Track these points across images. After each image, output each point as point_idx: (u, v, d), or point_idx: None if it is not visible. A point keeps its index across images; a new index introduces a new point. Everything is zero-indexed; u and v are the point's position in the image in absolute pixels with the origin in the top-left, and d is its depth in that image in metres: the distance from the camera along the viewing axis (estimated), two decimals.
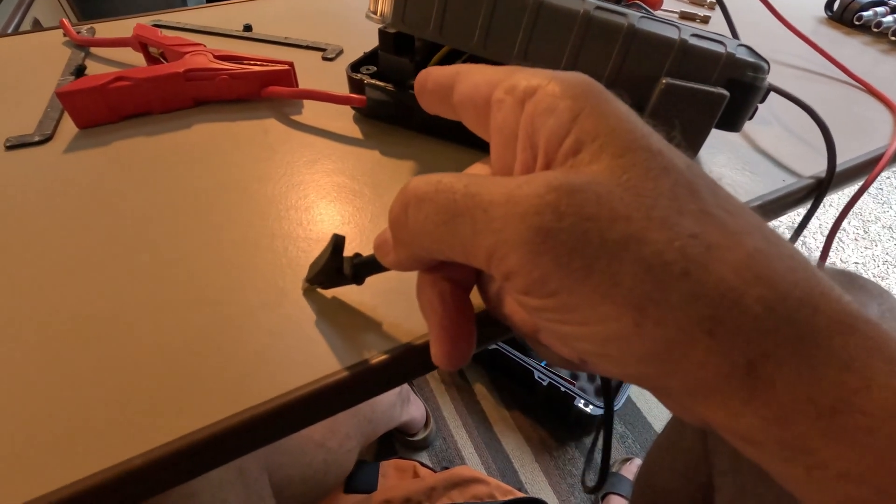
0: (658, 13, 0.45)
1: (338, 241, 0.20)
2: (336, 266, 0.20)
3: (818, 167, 0.30)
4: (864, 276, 0.52)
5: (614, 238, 0.12)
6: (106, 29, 0.45)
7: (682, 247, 0.12)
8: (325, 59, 0.41)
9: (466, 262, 0.14)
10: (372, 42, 0.31)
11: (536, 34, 0.25)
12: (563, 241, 0.12)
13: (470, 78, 0.18)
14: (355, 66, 0.32)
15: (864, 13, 0.47)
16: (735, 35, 0.39)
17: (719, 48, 0.24)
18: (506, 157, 0.16)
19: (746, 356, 0.11)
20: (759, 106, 0.27)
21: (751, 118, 0.28)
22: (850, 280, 0.43)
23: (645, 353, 0.12)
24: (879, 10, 0.47)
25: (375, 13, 0.28)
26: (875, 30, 0.46)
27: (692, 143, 0.24)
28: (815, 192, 0.29)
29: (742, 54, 0.24)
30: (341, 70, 0.39)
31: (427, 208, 0.14)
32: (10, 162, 0.30)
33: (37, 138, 0.31)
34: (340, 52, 0.41)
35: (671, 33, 0.24)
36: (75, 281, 0.23)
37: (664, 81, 0.23)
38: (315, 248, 0.24)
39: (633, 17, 0.24)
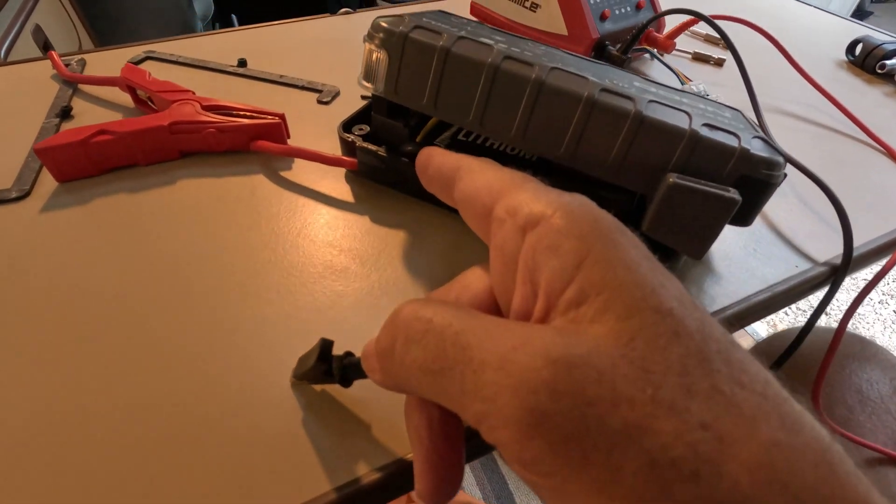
0: (669, 57, 0.43)
1: (325, 347, 0.19)
2: (323, 370, 0.19)
3: (835, 250, 0.28)
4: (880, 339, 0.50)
5: (615, 426, 0.11)
6: (98, 60, 0.44)
7: (692, 442, 0.10)
8: (320, 102, 0.39)
9: (454, 412, 0.13)
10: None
11: (537, 115, 0.24)
12: (559, 424, 0.11)
13: (472, 180, 0.18)
14: (347, 126, 0.31)
15: (888, 62, 0.45)
16: (748, 84, 0.37)
17: (732, 141, 0.22)
18: (505, 279, 0.15)
19: None
20: None
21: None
22: (863, 348, 0.41)
23: None
24: None
25: (368, 81, 0.26)
26: None
27: (699, 246, 0.22)
28: (831, 278, 0.27)
29: (757, 149, 0.22)
30: (336, 116, 0.38)
31: (415, 351, 0.13)
32: None
33: (14, 194, 0.30)
34: (336, 95, 0.40)
35: (681, 122, 0.22)
36: (46, 352, 0.22)
37: (672, 180, 0.21)
38: (298, 334, 0.23)
39: (641, 102, 0.23)
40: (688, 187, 0.21)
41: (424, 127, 0.29)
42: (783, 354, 0.28)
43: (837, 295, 0.26)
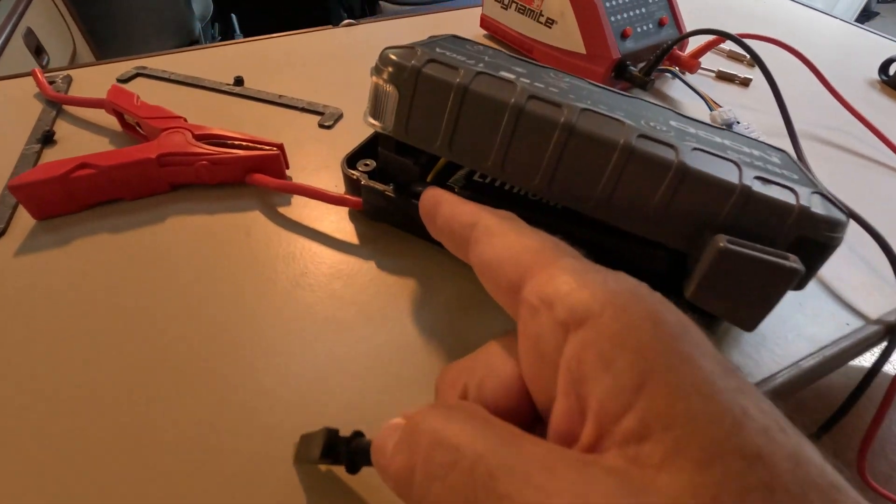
0: (692, 77, 0.40)
1: (330, 440, 0.16)
2: (329, 459, 0.17)
3: (888, 304, 0.26)
4: None
5: None
6: (86, 77, 0.41)
7: None
8: (321, 126, 0.37)
9: None
10: None
11: (565, 162, 0.21)
12: None
13: (492, 245, 0.16)
14: (351, 161, 0.28)
15: None
16: (784, 112, 0.34)
17: (789, 198, 0.19)
18: (540, 375, 0.13)
19: None
20: None
21: None
22: None
23: None
24: None
25: (375, 119, 0.24)
26: None
27: (751, 318, 0.20)
28: (886, 337, 0.25)
29: (818, 206, 0.19)
30: (339, 141, 0.35)
31: (438, 490, 0.11)
32: None
33: None
34: (339, 118, 0.37)
35: (730, 175, 0.20)
36: (23, 407, 0.19)
37: (722, 245, 0.19)
38: (295, 405, 0.21)
39: (684, 150, 0.20)
40: (741, 254, 0.18)
41: (436, 165, 0.27)
42: (832, 418, 0.25)
43: None
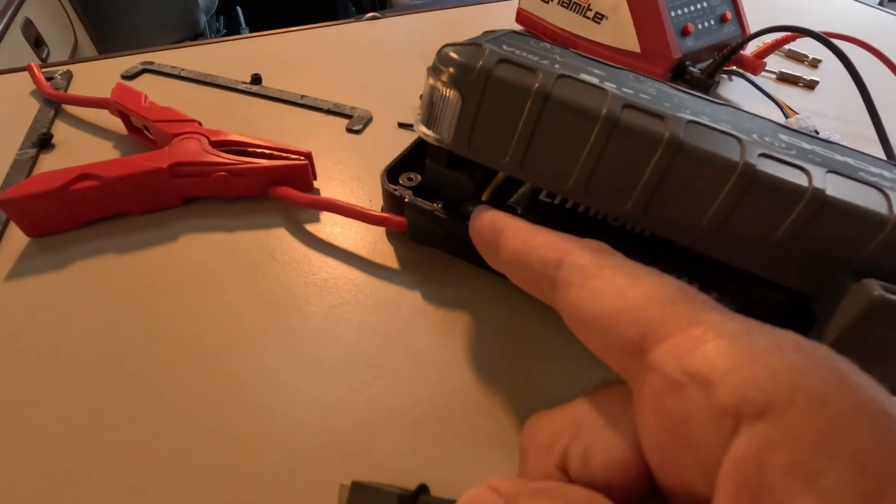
0: (758, 79, 0.36)
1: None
2: None
3: None
4: None
5: None
6: (87, 72, 0.38)
7: None
8: (349, 130, 0.33)
9: None
10: (409, 106, 0.23)
11: (669, 184, 0.17)
12: None
13: (593, 293, 0.12)
14: (392, 174, 0.24)
15: None
16: (879, 126, 0.30)
17: None
18: (678, 461, 0.10)
19: None
20: None
21: None
22: None
23: None
24: None
25: (429, 128, 0.20)
26: None
27: None
28: None
29: None
30: (369, 149, 0.32)
31: None
32: None
33: None
34: (369, 122, 0.34)
35: (879, 205, 0.16)
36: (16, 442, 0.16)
37: (876, 294, 0.15)
38: (343, 471, 0.17)
39: (817, 174, 0.16)
40: None
41: (493, 181, 0.23)
42: None
43: None
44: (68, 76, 0.36)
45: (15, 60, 0.76)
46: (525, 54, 0.20)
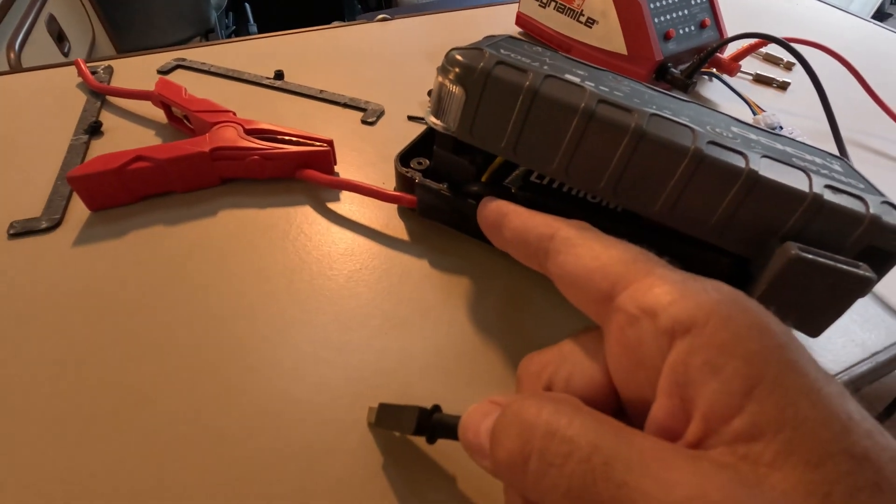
0: (735, 80, 0.40)
1: (422, 417, 0.17)
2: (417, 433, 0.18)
3: None
4: None
5: None
6: (125, 67, 0.41)
7: None
8: (364, 122, 0.37)
9: None
10: (417, 101, 0.27)
11: (632, 168, 0.21)
12: None
13: (577, 256, 0.16)
14: (404, 159, 0.28)
15: None
16: (832, 119, 0.34)
17: (859, 207, 0.20)
18: (634, 378, 0.13)
19: None
20: None
21: None
22: None
23: None
24: None
25: (438, 118, 0.24)
26: None
27: (818, 325, 0.20)
28: None
29: (889, 216, 0.20)
30: (382, 138, 0.35)
31: (555, 477, 0.12)
32: (13, 252, 0.26)
33: (44, 224, 0.28)
34: (381, 114, 0.37)
35: (801, 183, 0.20)
36: (81, 391, 0.19)
37: (793, 252, 0.19)
38: (362, 398, 0.21)
39: (754, 158, 0.20)
40: (813, 262, 0.19)
41: (491, 165, 0.27)
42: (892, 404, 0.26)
43: None
44: (110, 71, 0.40)
45: (39, 53, 0.80)
46: (519, 57, 0.23)
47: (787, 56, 0.46)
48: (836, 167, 0.23)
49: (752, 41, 0.40)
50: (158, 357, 0.22)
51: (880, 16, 2.83)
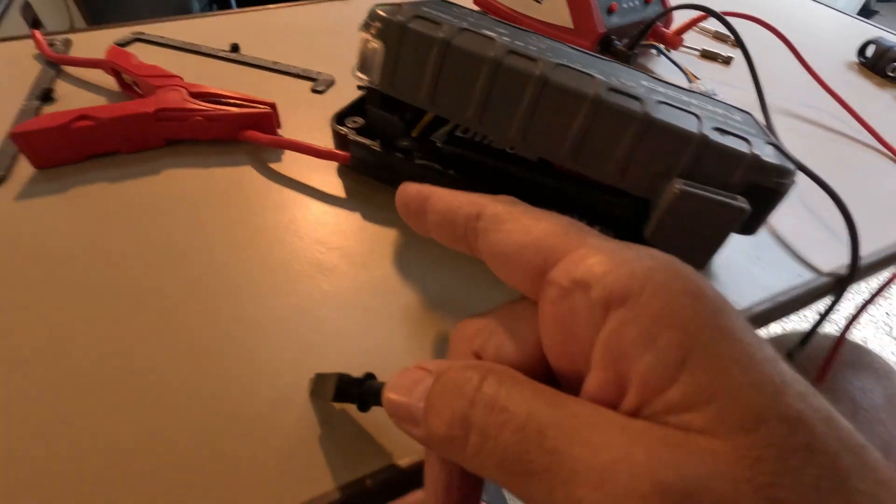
0: (676, 54, 0.41)
1: (341, 384, 0.18)
2: (341, 400, 0.18)
3: (840, 260, 0.27)
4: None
5: None
6: (85, 41, 0.42)
7: None
8: (314, 91, 0.38)
9: None
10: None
11: (539, 114, 0.22)
12: None
13: (507, 233, 0.15)
14: (340, 118, 0.29)
15: None
16: (757, 84, 0.36)
17: (743, 147, 0.21)
18: (567, 350, 0.13)
19: None
20: None
21: None
22: (859, 356, 0.41)
23: None
24: None
25: (363, 73, 0.25)
26: None
27: (702, 255, 0.21)
28: (835, 288, 0.26)
29: (768, 155, 0.21)
30: (331, 106, 0.36)
31: (492, 447, 0.12)
32: None
33: None
34: (331, 84, 0.38)
35: (691, 125, 0.21)
36: (19, 349, 0.20)
37: (678, 187, 0.20)
38: (284, 333, 0.22)
39: (650, 103, 0.21)
40: (694, 195, 0.20)
41: (421, 121, 0.28)
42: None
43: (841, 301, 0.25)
44: (67, 43, 0.41)
45: None
46: (441, 14, 0.25)
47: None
48: (737, 117, 0.25)
49: (694, 15, 0.41)
50: (95, 309, 0.23)
51: (866, 12, 2.87)
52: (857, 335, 1.35)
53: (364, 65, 0.25)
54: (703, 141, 0.21)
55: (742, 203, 0.20)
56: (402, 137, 0.28)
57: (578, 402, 0.12)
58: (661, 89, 0.25)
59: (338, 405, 0.20)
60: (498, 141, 0.27)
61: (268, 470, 0.18)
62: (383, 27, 0.23)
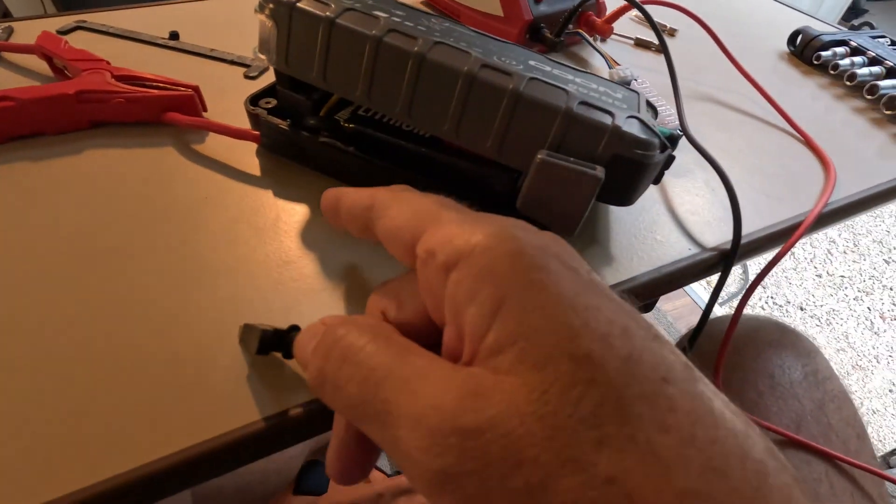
0: (611, 42, 0.43)
1: (263, 341, 0.19)
2: (265, 351, 0.20)
3: (729, 236, 0.28)
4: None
5: (517, 486, 0.10)
6: (28, 29, 0.43)
7: (595, 498, 0.10)
8: (246, 77, 0.39)
9: None
10: None
11: (420, 90, 0.23)
12: (464, 485, 0.11)
13: (390, 218, 0.17)
14: (255, 99, 0.30)
15: (824, 53, 0.45)
16: (670, 68, 0.37)
17: (606, 119, 0.22)
18: (437, 314, 0.15)
19: None
20: (681, 158, 0.25)
21: (658, 181, 0.26)
22: (782, 336, 0.42)
23: None
24: (839, 50, 0.45)
25: (262, 53, 0.26)
26: (832, 72, 0.44)
27: (568, 223, 0.22)
28: (721, 263, 0.28)
29: (631, 128, 0.22)
30: None
31: (340, 397, 0.14)
32: None
33: None
34: (265, 70, 0.39)
35: (557, 100, 0.22)
36: None
37: (539, 157, 0.21)
38: (201, 297, 0.23)
39: (521, 78, 0.23)
40: (553, 164, 0.21)
41: (328, 101, 0.29)
42: (689, 345, 0.28)
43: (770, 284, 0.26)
44: (9, 31, 0.42)
45: None
46: None
47: (670, 23, 0.49)
48: (619, 95, 0.26)
49: (623, 4, 0.42)
50: (22, 284, 0.24)
51: (856, 11, 2.89)
52: (839, 329, 1.37)
53: (262, 45, 0.26)
54: (569, 115, 0.22)
55: (598, 172, 0.21)
56: (309, 116, 0.29)
57: (421, 355, 0.14)
58: (546, 68, 0.26)
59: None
60: (390, 117, 0.28)
61: (198, 405, 0.20)
62: (274, 7, 0.24)
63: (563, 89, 0.23)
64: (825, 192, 0.31)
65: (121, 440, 0.19)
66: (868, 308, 1.43)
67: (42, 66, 0.37)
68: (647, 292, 0.26)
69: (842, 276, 1.51)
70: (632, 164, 0.22)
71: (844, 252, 1.57)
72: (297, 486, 0.77)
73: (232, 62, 0.40)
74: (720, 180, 0.29)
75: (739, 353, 0.40)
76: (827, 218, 0.31)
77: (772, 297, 1.42)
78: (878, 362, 1.32)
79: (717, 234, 0.29)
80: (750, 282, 0.27)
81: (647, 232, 0.29)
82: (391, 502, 0.84)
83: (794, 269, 1.49)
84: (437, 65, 0.23)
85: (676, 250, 0.28)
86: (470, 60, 0.23)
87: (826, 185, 0.32)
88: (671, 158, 0.25)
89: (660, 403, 0.11)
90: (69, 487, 0.17)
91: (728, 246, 0.27)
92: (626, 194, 0.24)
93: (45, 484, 0.18)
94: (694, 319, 1.27)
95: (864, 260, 1.56)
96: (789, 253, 0.28)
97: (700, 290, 1.39)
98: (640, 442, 0.10)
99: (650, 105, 0.27)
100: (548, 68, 0.26)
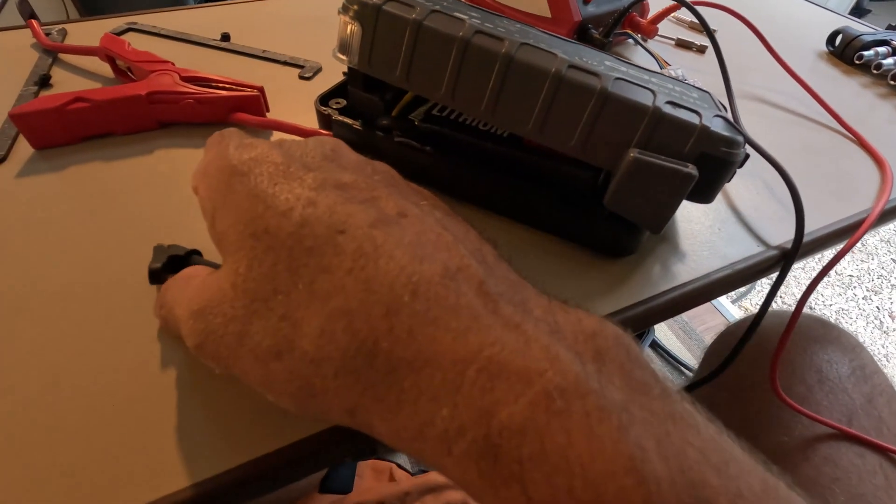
0: (652, 43, 0.43)
1: (152, 274, 0.23)
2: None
3: (791, 234, 0.29)
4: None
5: (230, 337, 0.14)
6: (80, 30, 0.43)
7: (275, 332, 0.14)
8: (301, 77, 0.39)
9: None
10: None
11: (506, 90, 0.24)
12: (207, 351, 0.15)
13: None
14: (324, 99, 0.31)
15: (866, 52, 0.45)
16: (723, 68, 0.37)
17: (694, 119, 0.23)
18: None
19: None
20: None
21: (731, 178, 0.27)
22: (826, 331, 0.43)
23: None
24: (881, 50, 0.45)
25: (343, 54, 0.27)
26: (875, 71, 0.45)
27: (657, 220, 0.23)
28: (782, 261, 0.28)
29: (717, 127, 0.23)
30: (317, 91, 0.38)
31: (164, 327, 0.21)
32: None
33: None
34: (318, 71, 0.40)
35: (645, 99, 0.23)
36: (15, 324, 0.22)
37: (633, 155, 0.22)
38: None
39: (608, 79, 0.23)
40: (647, 162, 0.22)
41: (401, 101, 0.29)
42: (741, 339, 0.29)
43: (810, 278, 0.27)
44: (63, 32, 0.42)
45: None
46: None
47: (710, 23, 0.50)
48: (694, 94, 0.26)
49: (668, 5, 0.43)
50: (91, 279, 0.25)
51: (859, 11, 2.90)
52: (848, 327, 1.38)
53: (343, 46, 0.27)
54: (657, 113, 0.22)
55: (691, 170, 0.22)
56: (382, 117, 0.29)
57: (205, 276, 0.17)
58: (623, 68, 0.26)
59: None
60: (471, 117, 0.29)
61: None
62: (360, 10, 0.25)
63: (650, 89, 0.23)
64: (884, 190, 0.32)
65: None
66: (877, 307, 1.44)
67: (102, 67, 0.38)
68: (717, 291, 0.27)
69: (850, 276, 1.51)
70: (718, 163, 0.23)
71: (852, 252, 1.58)
72: (322, 486, 0.78)
73: (285, 63, 0.41)
74: (781, 178, 0.29)
75: (785, 348, 0.40)
76: (887, 215, 0.31)
77: (780, 297, 1.42)
78: (887, 361, 1.32)
79: (778, 232, 0.29)
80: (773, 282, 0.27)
81: (714, 232, 0.29)
82: (417, 500, 0.85)
83: (803, 269, 1.50)
84: (526, 65, 0.23)
85: (744, 248, 0.28)
86: (556, 61, 0.23)
87: (884, 183, 0.32)
88: (746, 157, 0.25)
89: (326, 251, 0.13)
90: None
91: (789, 245, 0.28)
92: (708, 192, 0.24)
93: None
94: (710, 319, 1.27)
95: (873, 259, 1.57)
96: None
97: None
98: (303, 285, 0.13)
99: (716, 103, 0.27)
100: (624, 68, 0.26)
